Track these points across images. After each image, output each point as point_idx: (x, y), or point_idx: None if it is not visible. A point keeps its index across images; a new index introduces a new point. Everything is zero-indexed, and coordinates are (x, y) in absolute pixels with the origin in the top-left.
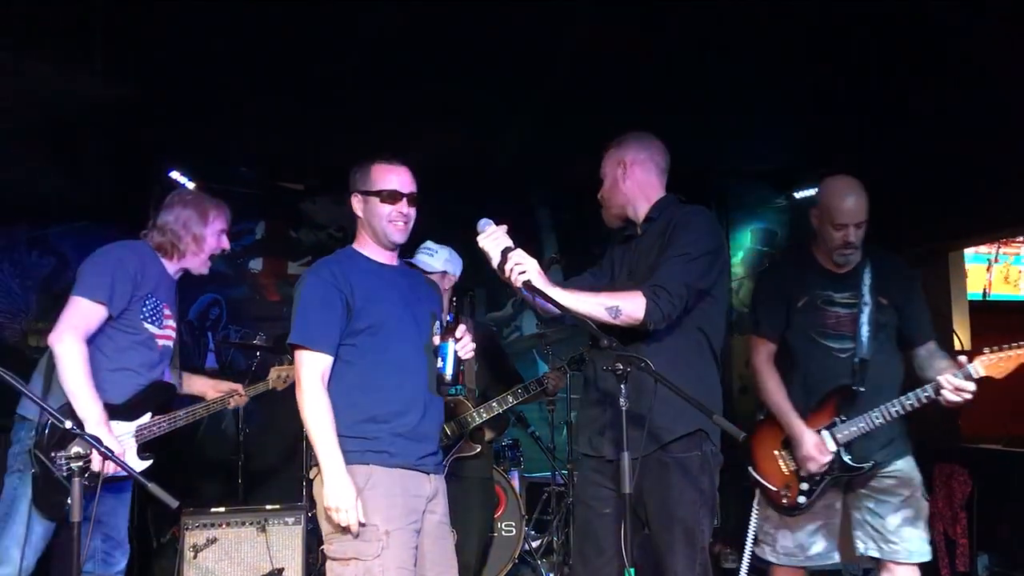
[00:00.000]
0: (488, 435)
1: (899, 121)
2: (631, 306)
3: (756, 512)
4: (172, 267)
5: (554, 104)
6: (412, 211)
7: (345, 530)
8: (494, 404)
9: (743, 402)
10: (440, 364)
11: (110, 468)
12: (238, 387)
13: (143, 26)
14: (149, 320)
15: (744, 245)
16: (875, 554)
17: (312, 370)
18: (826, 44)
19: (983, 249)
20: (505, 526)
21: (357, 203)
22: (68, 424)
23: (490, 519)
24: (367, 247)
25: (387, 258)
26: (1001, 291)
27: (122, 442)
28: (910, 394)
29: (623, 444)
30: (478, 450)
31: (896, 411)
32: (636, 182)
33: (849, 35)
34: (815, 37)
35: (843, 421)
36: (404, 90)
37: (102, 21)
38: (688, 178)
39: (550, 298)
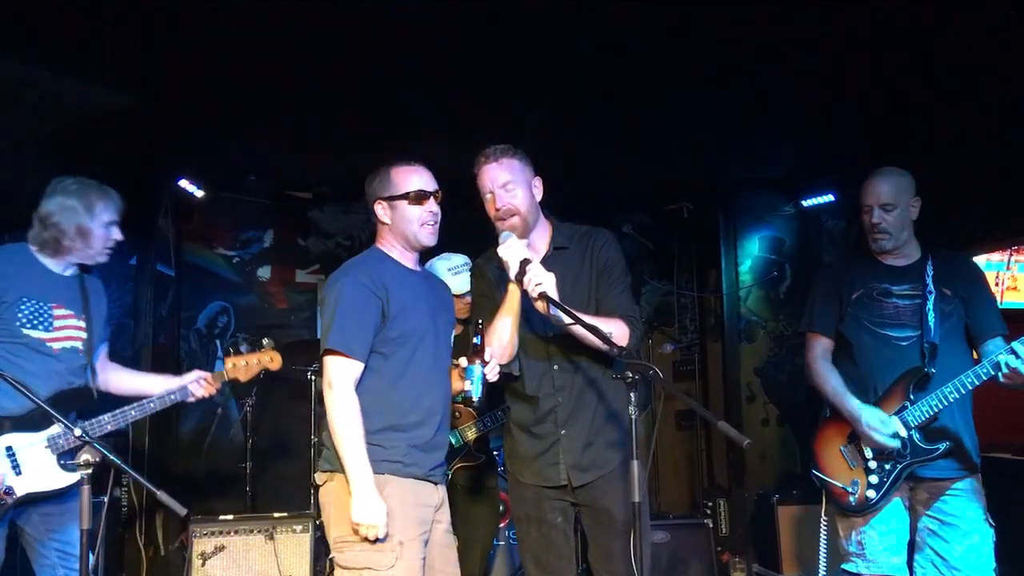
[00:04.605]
0: (495, 442)
1: (909, 127)
2: (620, 332)
3: (825, 524)
4: (59, 264)
5: (560, 117)
6: (439, 210)
7: (361, 539)
8: (499, 414)
9: (750, 409)
10: (469, 387)
11: (23, 487)
12: (204, 374)
13: (151, 36)
14: (29, 325)
15: (752, 253)
16: None
17: (347, 377)
18: (834, 50)
19: (995, 257)
20: (512, 534)
21: (383, 210)
22: (77, 431)
23: (494, 528)
24: (395, 251)
25: (413, 262)
26: (1011, 299)
27: (32, 453)
28: (984, 362)
29: (633, 453)
30: (482, 460)
31: (971, 382)
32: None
33: (856, 42)
34: (823, 44)
35: (913, 403)
36: (411, 99)
37: (111, 31)
38: (696, 186)
39: (563, 308)
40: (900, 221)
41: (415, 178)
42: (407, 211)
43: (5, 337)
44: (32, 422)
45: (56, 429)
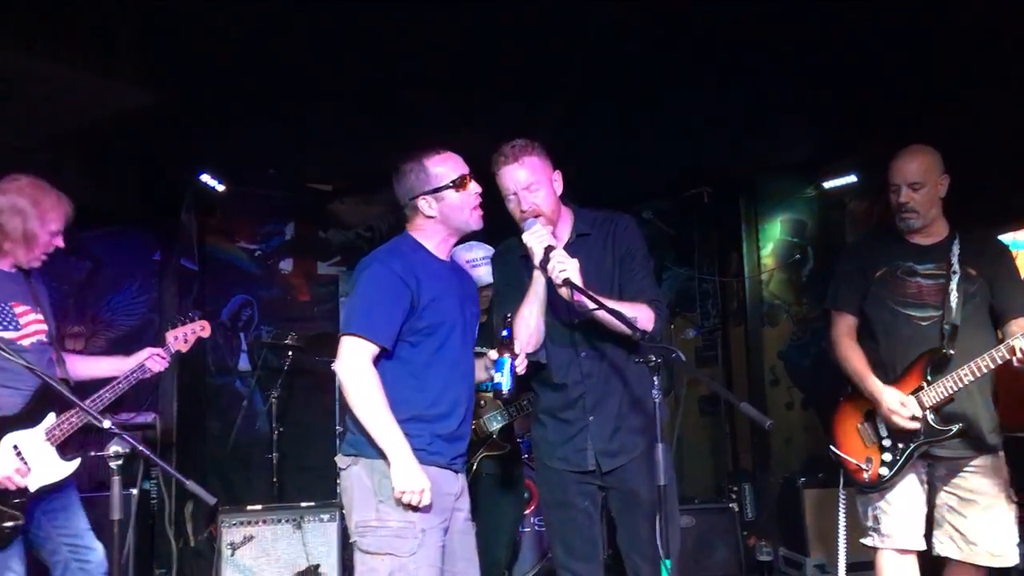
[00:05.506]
0: (518, 431)
1: (931, 107)
2: (644, 317)
3: (843, 499)
4: (5, 264)
5: (576, 105)
6: (480, 188)
7: (383, 523)
8: (524, 403)
9: (774, 393)
10: (499, 379)
11: (35, 482)
12: (157, 350)
13: (172, 32)
14: (1, 328)
15: (774, 236)
16: (953, 555)
17: (366, 357)
18: (855, 30)
19: (1022, 235)
20: (538, 521)
21: (427, 204)
22: (106, 424)
23: (520, 515)
24: (431, 240)
25: (446, 253)
26: None
27: (34, 448)
28: (1000, 345)
29: (658, 436)
30: (507, 449)
31: (986, 365)
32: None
33: (878, 21)
34: (843, 23)
35: (929, 384)
36: (428, 91)
37: (132, 28)
38: (716, 171)
39: (587, 294)
40: (928, 199)
41: (453, 164)
42: (456, 199)
43: None
44: (29, 418)
45: (49, 420)
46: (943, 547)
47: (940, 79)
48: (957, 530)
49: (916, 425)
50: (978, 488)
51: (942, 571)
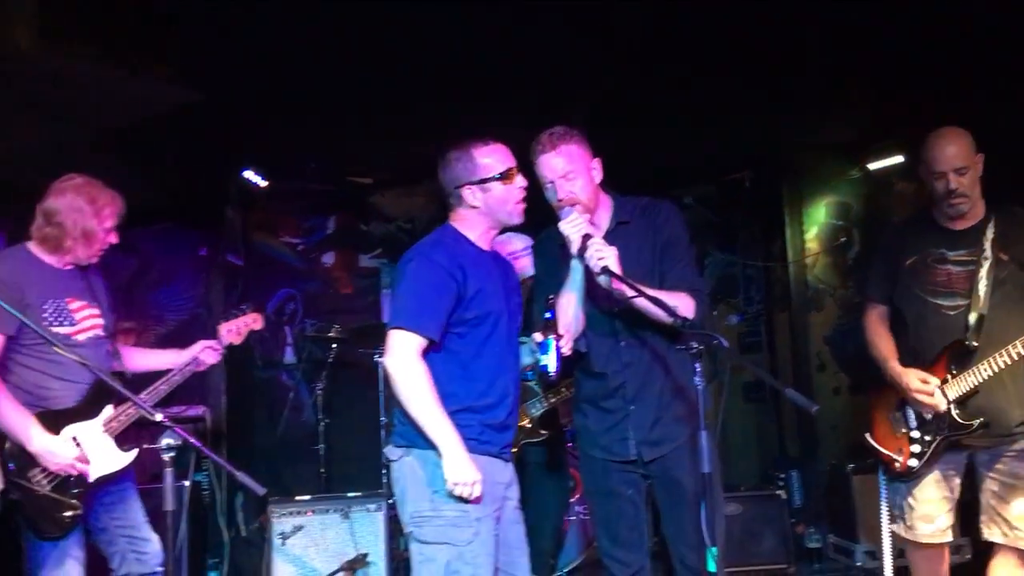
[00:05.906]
0: (563, 419)
1: (978, 87)
2: (684, 305)
3: (884, 485)
4: (58, 260)
5: (615, 91)
6: (526, 182)
7: (438, 513)
8: (563, 390)
9: (821, 378)
10: (545, 361)
11: (94, 472)
12: (210, 342)
13: (213, 29)
14: (56, 323)
15: (818, 220)
16: (999, 540)
17: (414, 350)
18: (902, 8)
19: None
20: (582, 509)
21: (471, 194)
22: (159, 416)
23: (565, 503)
24: (474, 232)
25: (488, 243)
26: None
27: (93, 440)
28: (1016, 342)
29: (701, 423)
30: (546, 436)
31: (1004, 361)
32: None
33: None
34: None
35: (953, 376)
36: (467, 83)
37: (172, 29)
38: (758, 154)
39: (626, 281)
40: (973, 182)
41: (501, 156)
42: (501, 192)
43: (38, 338)
44: (87, 410)
45: (107, 412)
46: (989, 532)
47: (987, 57)
48: (1000, 515)
49: (941, 401)
50: (1019, 473)
51: (990, 556)
